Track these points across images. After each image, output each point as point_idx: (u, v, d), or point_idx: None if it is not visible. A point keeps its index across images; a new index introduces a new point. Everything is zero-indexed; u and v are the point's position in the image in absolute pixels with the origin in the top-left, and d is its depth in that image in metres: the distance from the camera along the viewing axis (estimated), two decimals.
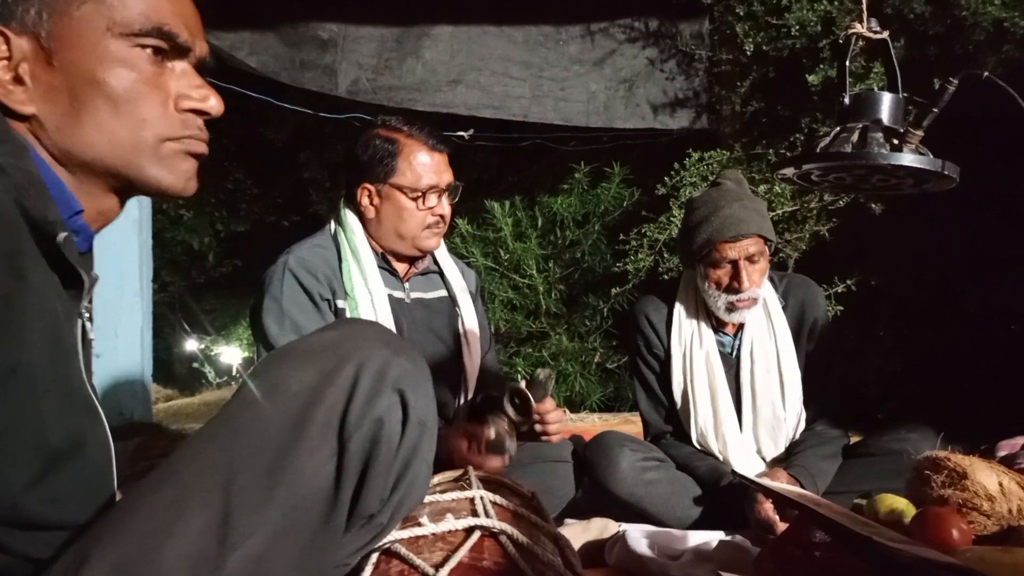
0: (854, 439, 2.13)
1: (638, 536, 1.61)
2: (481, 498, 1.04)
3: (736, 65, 4.23)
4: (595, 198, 4.84)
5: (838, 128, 1.44)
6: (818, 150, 1.44)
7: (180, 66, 0.88)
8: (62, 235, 0.78)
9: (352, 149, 1.91)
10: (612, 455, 1.92)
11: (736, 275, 1.91)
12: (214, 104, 0.89)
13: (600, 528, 1.75)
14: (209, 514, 0.74)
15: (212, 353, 14.68)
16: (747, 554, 1.53)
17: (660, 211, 4.08)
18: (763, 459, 2.03)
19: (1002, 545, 1.33)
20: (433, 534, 0.95)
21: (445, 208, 1.88)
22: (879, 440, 2.00)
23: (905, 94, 1.45)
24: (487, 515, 0.99)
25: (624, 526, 1.77)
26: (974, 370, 3.42)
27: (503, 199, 4.89)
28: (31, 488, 0.74)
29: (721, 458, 2.01)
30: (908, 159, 1.35)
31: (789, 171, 1.52)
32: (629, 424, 3.56)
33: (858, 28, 1.48)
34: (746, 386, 2.03)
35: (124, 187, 0.87)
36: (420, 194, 1.84)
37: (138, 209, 3.53)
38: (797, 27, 3.67)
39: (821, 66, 3.67)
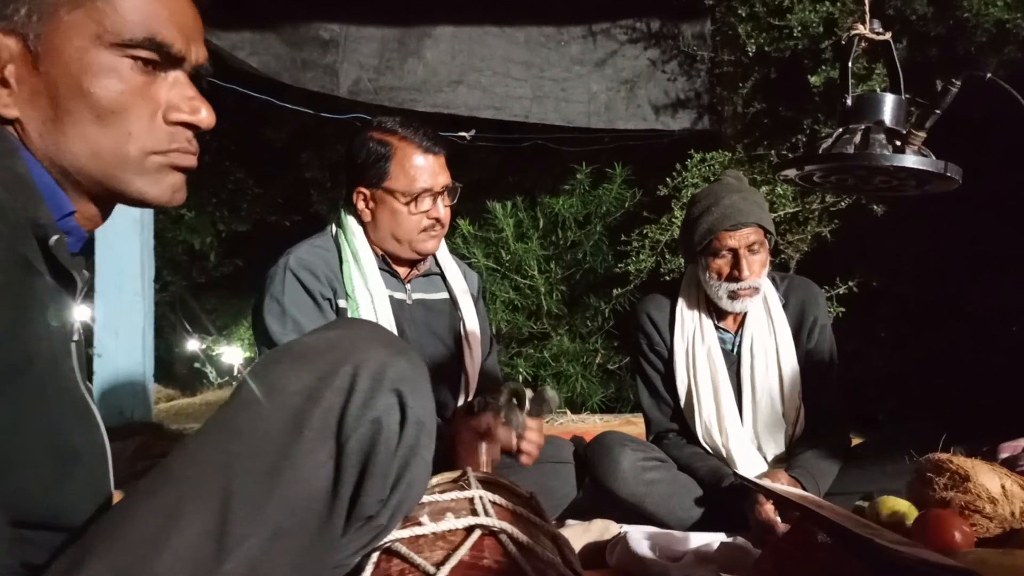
0: (855, 440, 2.13)
1: (639, 537, 1.61)
2: (480, 498, 1.04)
3: (738, 66, 4.23)
4: (596, 199, 4.85)
5: (840, 129, 1.44)
6: (820, 151, 1.44)
7: (173, 75, 0.86)
8: (54, 237, 0.77)
9: (348, 151, 1.89)
10: (613, 455, 1.93)
11: (737, 264, 1.94)
12: (205, 117, 0.87)
13: (601, 529, 1.75)
14: (207, 516, 0.73)
15: (213, 353, 14.68)
16: (748, 555, 1.53)
17: (662, 212, 4.08)
18: (764, 456, 2.03)
19: (1004, 547, 1.33)
20: (433, 533, 0.95)
21: (441, 211, 1.86)
22: (880, 442, 2.00)
23: (907, 95, 1.45)
24: (487, 514, 0.99)
25: (625, 527, 1.77)
26: (975, 371, 3.42)
27: (504, 200, 4.89)
28: (36, 489, 0.74)
29: (724, 453, 2.01)
30: (910, 160, 1.35)
31: (791, 172, 1.52)
32: (630, 425, 3.56)
33: (860, 29, 1.48)
34: (746, 382, 2.04)
35: (108, 196, 0.86)
36: (413, 198, 1.82)
37: (139, 209, 3.53)
38: (799, 28, 3.67)
39: (823, 67, 3.67)
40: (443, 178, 1.86)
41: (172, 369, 13.04)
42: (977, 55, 3.38)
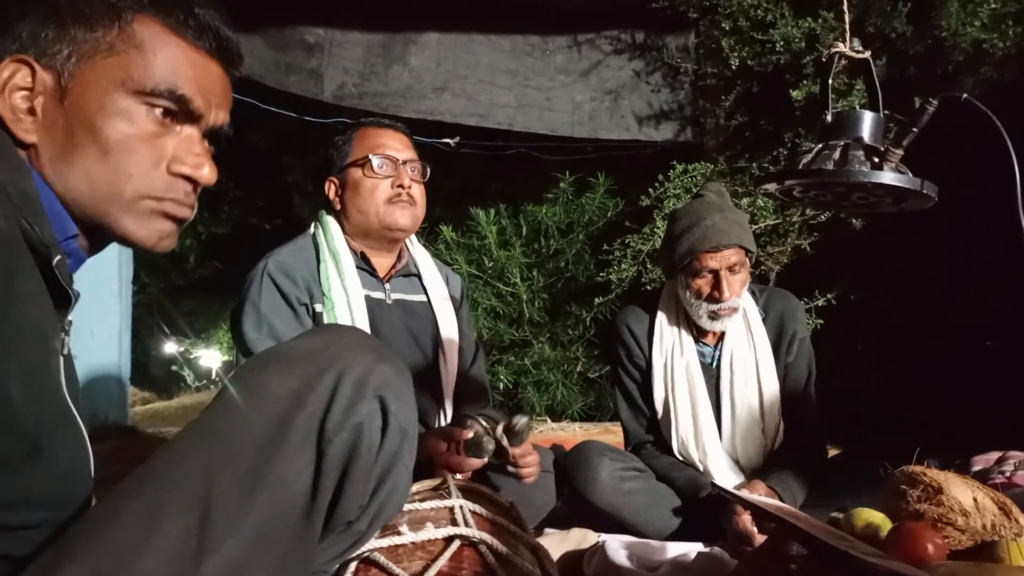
0: (832, 452, 2.15)
1: (617, 547, 1.62)
2: (461, 507, 1.04)
3: (721, 79, 4.27)
4: (579, 208, 4.87)
5: (820, 145, 1.46)
6: (800, 166, 1.45)
7: (188, 131, 0.90)
8: (57, 257, 0.80)
9: (325, 153, 1.94)
10: (592, 465, 1.93)
11: (717, 284, 1.94)
12: (206, 174, 0.91)
13: (579, 538, 1.75)
14: (187, 519, 0.73)
15: (191, 356, 14.54)
16: (725, 566, 1.54)
17: (644, 222, 4.11)
18: (742, 469, 2.04)
19: (975, 560, 1.34)
20: (413, 543, 0.95)
21: (405, 179, 1.84)
22: (856, 454, 2.01)
23: (886, 112, 1.47)
24: (466, 524, 0.99)
25: (603, 536, 1.77)
26: (951, 384, 3.47)
27: (488, 207, 4.90)
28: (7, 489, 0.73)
29: (701, 468, 2.02)
30: (888, 177, 1.37)
31: (772, 186, 1.53)
32: (610, 434, 3.57)
33: (841, 47, 1.50)
34: (726, 396, 2.04)
35: (98, 230, 0.88)
36: (368, 161, 1.84)
37: None
38: (781, 43, 3.72)
39: (805, 82, 3.72)
40: (407, 152, 1.88)
41: (149, 372, 12.90)
42: (955, 73, 3.44)
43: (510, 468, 1.71)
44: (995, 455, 1.86)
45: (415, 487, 1.14)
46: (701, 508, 1.88)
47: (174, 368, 13.61)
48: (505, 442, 1.62)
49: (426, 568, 0.91)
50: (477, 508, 1.06)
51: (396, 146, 1.87)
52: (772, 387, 2.03)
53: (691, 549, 1.66)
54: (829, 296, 3.81)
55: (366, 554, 0.92)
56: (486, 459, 1.62)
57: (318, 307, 1.80)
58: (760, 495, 1.75)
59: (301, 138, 6.61)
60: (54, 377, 0.81)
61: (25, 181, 0.80)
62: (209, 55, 0.91)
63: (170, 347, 13.89)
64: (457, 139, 4.45)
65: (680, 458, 2.05)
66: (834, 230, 3.90)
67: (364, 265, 1.88)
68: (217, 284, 10.35)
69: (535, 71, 4.36)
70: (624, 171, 4.84)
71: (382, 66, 4.20)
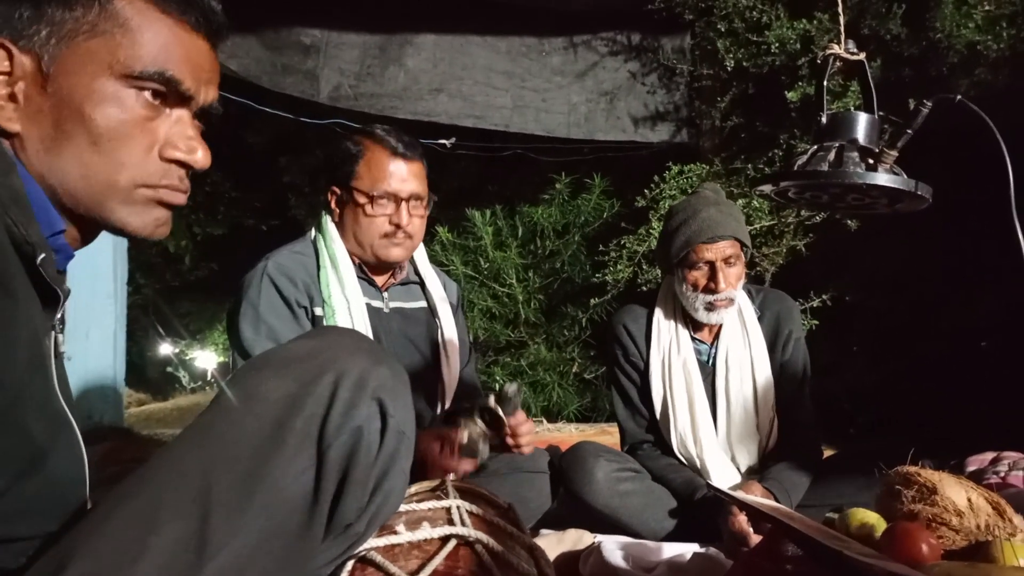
0: (827, 453, 2.15)
1: (613, 548, 1.62)
2: (457, 507, 1.04)
3: (716, 80, 4.28)
4: (575, 209, 4.87)
5: (815, 147, 1.46)
6: (795, 168, 1.46)
7: (178, 113, 0.87)
8: (41, 255, 0.77)
9: (327, 152, 1.91)
10: (587, 466, 1.93)
11: (713, 276, 1.96)
12: (200, 158, 0.89)
13: (575, 539, 1.75)
14: (186, 523, 0.73)
15: (187, 357, 14.49)
16: (720, 566, 1.54)
17: (639, 223, 4.11)
18: (737, 467, 2.04)
19: (969, 560, 1.35)
20: (409, 542, 0.95)
21: (404, 218, 1.81)
22: (851, 454, 2.02)
23: (881, 113, 1.48)
24: (463, 524, 0.99)
25: (599, 537, 1.77)
26: (946, 386, 3.48)
27: (484, 208, 4.91)
28: (3, 500, 0.73)
29: (699, 464, 2.03)
30: (882, 179, 1.37)
31: (767, 188, 1.54)
32: (606, 435, 3.58)
33: (836, 49, 1.51)
34: (721, 393, 2.05)
35: (91, 221, 0.86)
36: (371, 199, 1.80)
37: None
38: (777, 45, 3.73)
39: (800, 83, 3.73)
40: (412, 185, 1.83)
41: (144, 373, 12.87)
42: (949, 75, 3.45)
43: (508, 441, 1.70)
44: (990, 456, 1.86)
45: (413, 488, 1.14)
46: (697, 509, 1.89)
47: (169, 369, 13.57)
48: (500, 412, 1.62)
49: (422, 567, 0.91)
50: (474, 508, 1.06)
51: (402, 177, 1.82)
52: (766, 385, 2.05)
53: (687, 550, 1.66)
54: (824, 297, 3.82)
55: (362, 553, 0.92)
56: (479, 461, 1.63)
57: (318, 311, 1.80)
58: (756, 496, 1.76)
59: (297, 139, 6.60)
60: (49, 379, 0.80)
61: (11, 175, 0.77)
62: (195, 30, 0.87)
63: (165, 348, 13.85)
64: (453, 140, 4.45)
65: (679, 455, 2.06)
66: (829, 231, 3.91)
67: (363, 275, 1.88)
68: (213, 285, 10.31)
69: (531, 72, 4.36)
70: (620, 172, 4.84)
71: (378, 67, 4.20)
